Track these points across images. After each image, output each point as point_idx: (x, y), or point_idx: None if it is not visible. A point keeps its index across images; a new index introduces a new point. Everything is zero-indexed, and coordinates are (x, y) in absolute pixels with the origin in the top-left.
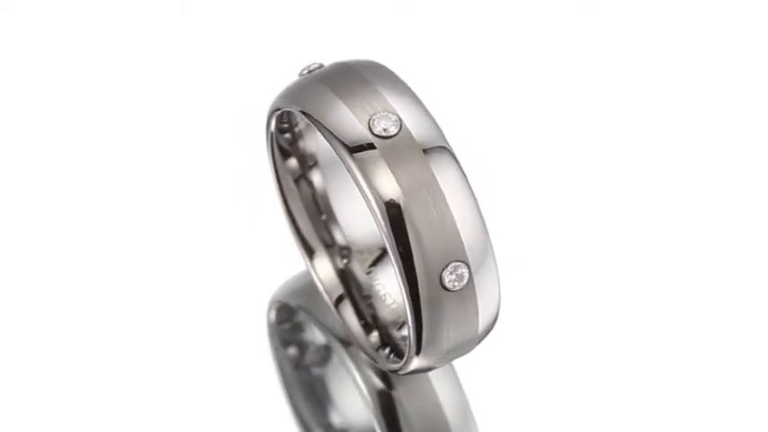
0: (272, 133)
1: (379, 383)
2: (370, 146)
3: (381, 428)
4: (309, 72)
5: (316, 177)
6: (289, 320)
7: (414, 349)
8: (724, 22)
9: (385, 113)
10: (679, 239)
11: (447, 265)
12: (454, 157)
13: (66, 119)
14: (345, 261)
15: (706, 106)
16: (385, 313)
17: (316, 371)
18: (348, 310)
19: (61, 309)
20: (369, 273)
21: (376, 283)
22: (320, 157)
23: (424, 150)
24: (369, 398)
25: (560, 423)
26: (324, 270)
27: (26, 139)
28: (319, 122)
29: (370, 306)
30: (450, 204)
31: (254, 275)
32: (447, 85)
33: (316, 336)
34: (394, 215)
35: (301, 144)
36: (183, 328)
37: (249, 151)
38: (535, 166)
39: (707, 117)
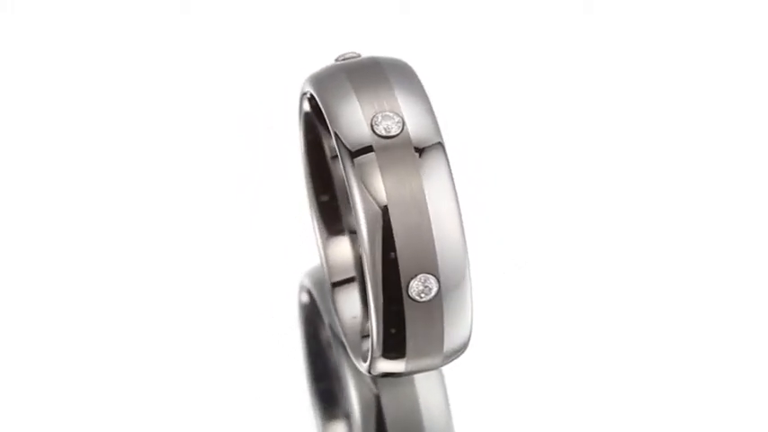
0: (306, 113)
1: (367, 384)
2: (368, 148)
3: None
4: (344, 60)
5: None
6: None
7: (376, 351)
8: (724, 22)
9: (391, 113)
10: (679, 239)
11: (416, 275)
12: (448, 167)
13: (65, 119)
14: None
15: (706, 106)
16: None
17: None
18: (351, 295)
19: (99, 297)
20: None
21: None
22: None
23: (421, 155)
24: (355, 397)
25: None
26: (342, 251)
27: (26, 139)
28: (328, 111)
29: None
30: (432, 216)
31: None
32: (447, 85)
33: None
34: (372, 216)
35: None
36: (217, 308)
37: (247, 150)
38: (535, 166)
39: (707, 117)
